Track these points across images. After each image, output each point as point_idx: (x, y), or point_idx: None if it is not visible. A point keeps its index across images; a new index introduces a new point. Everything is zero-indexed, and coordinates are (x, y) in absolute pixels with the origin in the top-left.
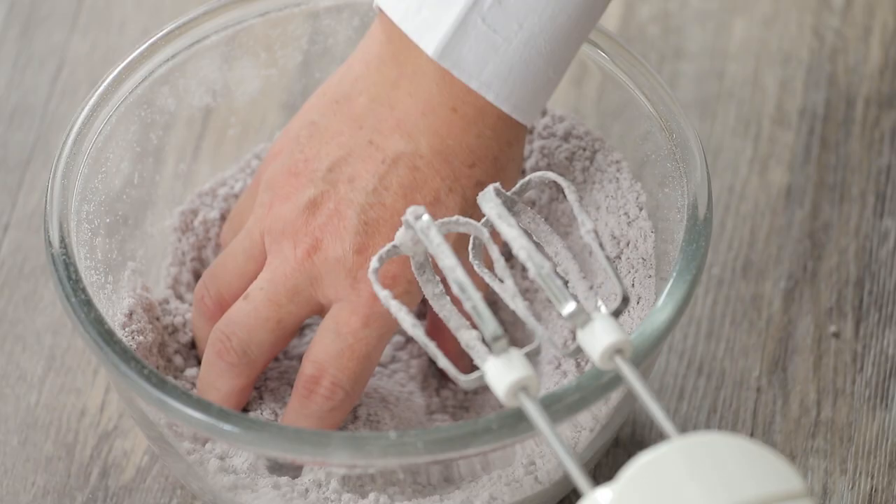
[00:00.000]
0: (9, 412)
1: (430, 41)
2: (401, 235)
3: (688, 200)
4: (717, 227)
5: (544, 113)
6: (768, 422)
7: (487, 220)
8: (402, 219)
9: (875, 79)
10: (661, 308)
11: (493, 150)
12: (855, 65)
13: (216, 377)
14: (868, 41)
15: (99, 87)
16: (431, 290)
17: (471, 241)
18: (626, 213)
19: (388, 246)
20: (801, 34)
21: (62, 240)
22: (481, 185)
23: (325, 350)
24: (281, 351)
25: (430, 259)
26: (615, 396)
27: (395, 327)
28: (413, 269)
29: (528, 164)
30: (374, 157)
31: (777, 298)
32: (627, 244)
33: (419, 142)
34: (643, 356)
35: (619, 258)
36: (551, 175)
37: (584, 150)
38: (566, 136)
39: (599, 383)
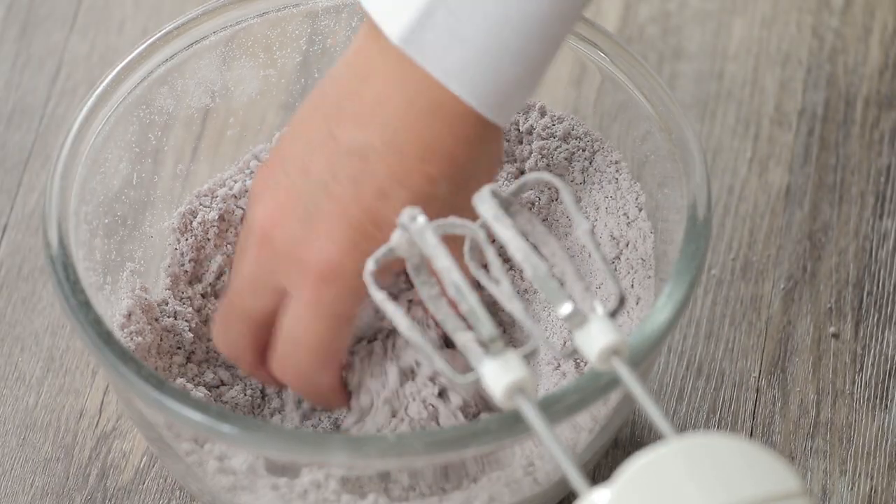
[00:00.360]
0: (7, 413)
1: (394, 27)
2: (397, 237)
3: (687, 201)
4: (717, 228)
5: (543, 113)
6: (768, 422)
7: (483, 222)
8: (398, 221)
9: (875, 79)
10: (660, 309)
11: (448, 146)
12: (854, 65)
13: None
14: (868, 42)
15: (97, 87)
16: (427, 292)
17: (466, 242)
18: (625, 214)
19: (384, 248)
20: (801, 34)
21: (61, 241)
22: (434, 183)
23: (282, 347)
24: (262, 346)
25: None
26: (614, 397)
27: (346, 316)
28: (409, 271)
29: (527, 164)
30: (330, 149)
31: (776, 299)
32: (627, 245)
33: (372, 133)
34: (642, 357)
35: (619, 259)
36: (547, 176)
37: (584, 150)
38: (565, 137)
39: (598, 384)
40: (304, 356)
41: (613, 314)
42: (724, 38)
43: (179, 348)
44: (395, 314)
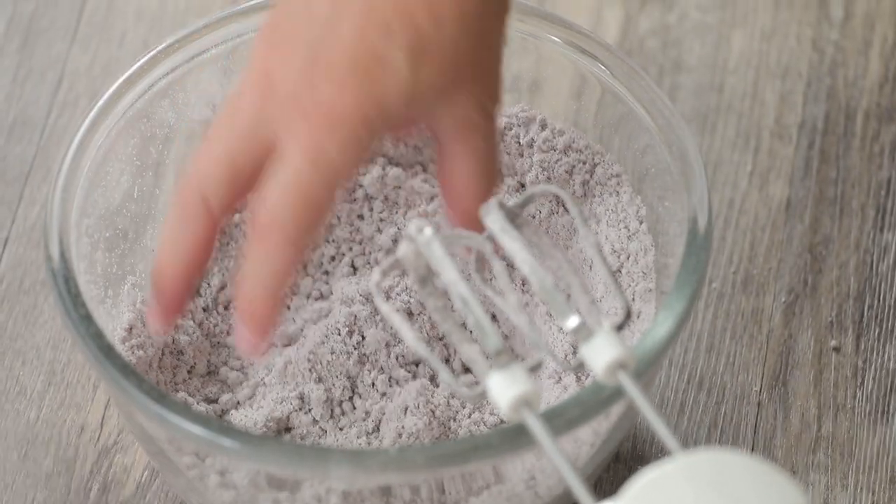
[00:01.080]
0: (8, 427)
1: None
2: (403, 249)
3: (688, 214)
4: (717, 241)
5: (544, 126)
6: (769, 436)
7: (490, 234)
8: (404, 232)
9: (875, 92)
10: (661, 322)
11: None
12: (855, 78)
13: (175, 230)
14: (868, 54)
15: (99, 100)
16: (433, 304)
17: (474, 254)
18: (626, 227)
19: (391, 259)
20: (801, 47)
21: (62, 254)
22: (441, 25)
23: (272, 194)
24: (240, 202)
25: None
26: (616, 411)
27: (345, 175)
28: (415, 282)
29: (528, 177)
30: None
31: (777, 312)
32: (628, 258)
33: None
34: (644, 370)
35: (620, 272)
36: (554, 188)
37: (584, 163)
38: (566, 150)
39: (600, 398)
40: (292, 213)
41: (620, 328)
42: (725, 50)
43: (181, 362)
44: (402, 326)
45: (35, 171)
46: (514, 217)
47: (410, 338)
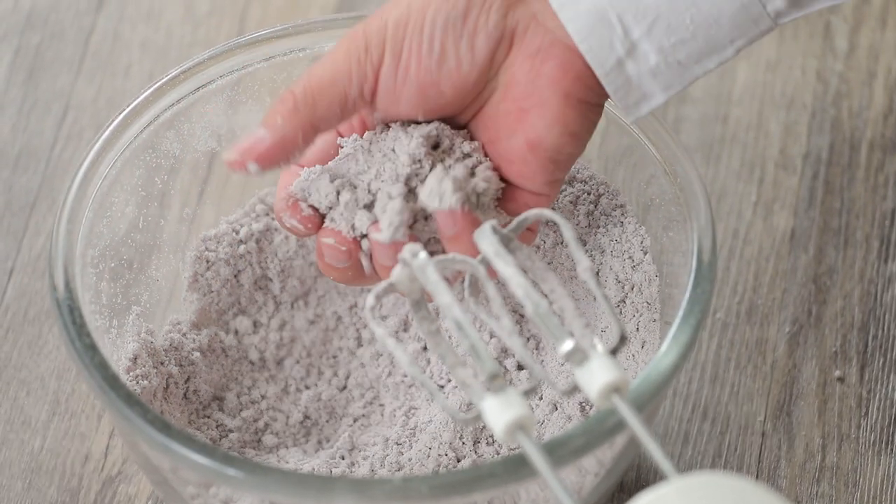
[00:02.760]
0: (13, 457)
1: None
2: (397, 273)
3: (692, 244)
4: (722, 271)
5: None
6: (773, 466)
7: (484, 258)
8: (399, 257)
9: (879, 123)
10: (665, 352)
11: None
12: (859, 109)
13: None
14: (872, 86)
15: (104, 131)
16: (427, 328)
17: (466, 278)
18: (630, 257)
19: (384, 283)
20: (805, 79)
21: (67, 284)
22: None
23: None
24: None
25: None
26: (620, 441)
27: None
28: (409, 306)
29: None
30: None
31: (781, 343)
32: (632, 288)
33: None
34: (648, 400)
35: (624, 302)
36: (548, 213)
37: (589, 193)
38: (570, 180)
39: (604, 428)
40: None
41: (615, 352)
42: (729, 82)
43: (185, 391)
44: (396, 350)
45: (40, 201)
46: (507, 241)
47: (405, 361)
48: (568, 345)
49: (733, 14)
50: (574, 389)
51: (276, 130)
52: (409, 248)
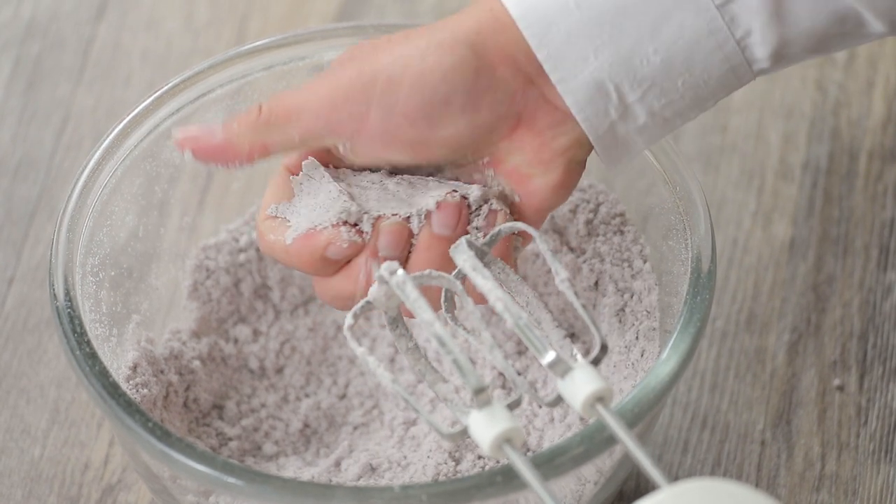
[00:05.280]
0: (13, 466)
1: None
2: (374, 291)
3: (691, 253)
4: (721, 280)
5: None
6: (772, 475)
7: (460, 272)
8: (376, 274)
9: (878, 132)
10: (665, 361)
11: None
12: (858, 118)
13: None
14: (871, 95)
15: (104, 140)
16: (405, 345)
17: (443, 293)
18: (629, 266)
19: (362, 302)
20: (805, 87)
21: (67, 293)
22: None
23: None
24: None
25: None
26: (619, 450)
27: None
28: (386, 324)
29: None
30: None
31: (781, 351)
32: (632, 296)
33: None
34: (647, 409)
35: (623, 310)
36: (521, 225)
37: (588, 202)
38: None
39: (603, 436)
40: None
41: (596, 362)
42: None
43: (185, 400)
44: (377, 369)
45: (40, 210)
46: (482, 255)
47: (387, 379)
48: (550, 356)
49: (721, 75)
50: (558, 400)
51: (228, 134)
52: (386, 266)
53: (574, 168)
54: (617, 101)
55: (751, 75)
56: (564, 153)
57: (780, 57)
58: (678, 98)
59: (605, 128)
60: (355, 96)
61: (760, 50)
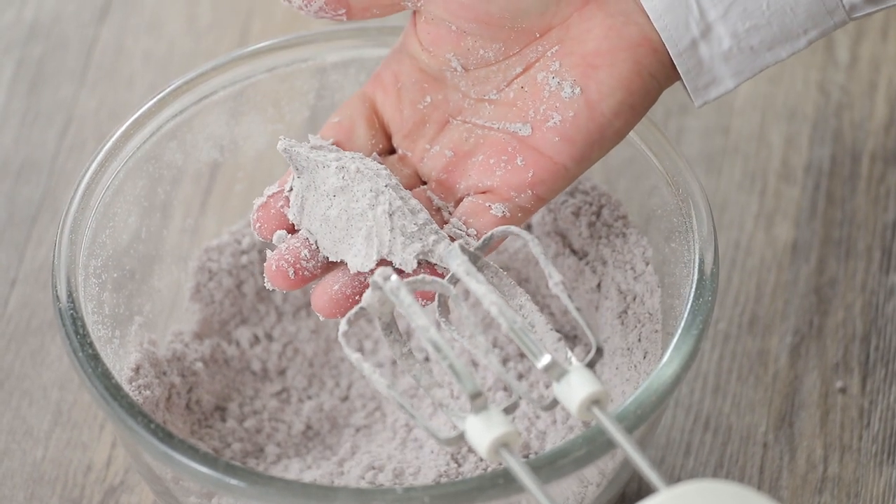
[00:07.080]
0: (15, 467)
1: None
2: (367, 297)
3: (694, 255)
4: (723, 282)
5: None
6: (775, 477)
7: (453, 277)
8: (370, 280)
9: (880, 135)
10: (667, 363)
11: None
12: (860, 120)
13: None
14: (873, 97)
15: (107, 142)
16: (399, 350)
17: (436, 298)
18: (632, 268)
19: (356, 308)
20: (807, 90)
21: (70, 294)
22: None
23: None
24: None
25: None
26: (621, 452)
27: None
28: (380, 329)
29: (534, 218)
30: None
31: (783, 353)
32: (634, 299)
33: None
34: (650, 411)
35: (626, 313)
36: (514, 229)
37: (591, 204)
38: (572, 191)
39: (605, 438)
40: None
41: (591, 365)
42: (731, 93)
43: (188, 402)
44: (372, 374)
45: (43, 212)
46: (475, 259)
47: (382, 385)
48: (545, 359)
49: (809, 4)
50: (554, 404)
51: None
52: (380, 272)
53: (643, 77)
54: (698, 14)
55: (842, 12)
56: (634, 48)
57: None
58: (764, 23)
59: (687, 44)
60: None
61: None
